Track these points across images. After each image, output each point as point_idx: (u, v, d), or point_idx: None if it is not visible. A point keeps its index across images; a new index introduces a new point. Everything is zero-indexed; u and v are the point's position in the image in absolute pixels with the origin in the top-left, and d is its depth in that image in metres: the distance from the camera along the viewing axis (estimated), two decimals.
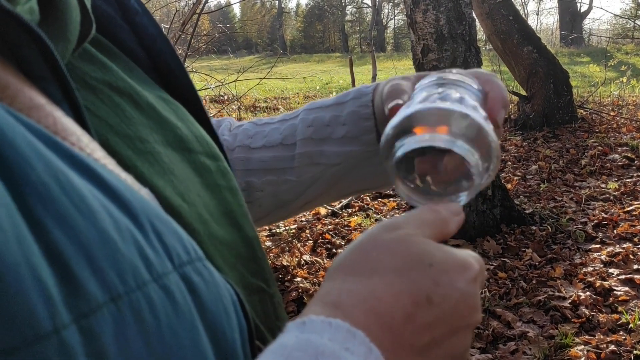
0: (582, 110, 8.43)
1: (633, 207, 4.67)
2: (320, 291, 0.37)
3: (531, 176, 5.97)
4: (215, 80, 4.50)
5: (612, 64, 11.47)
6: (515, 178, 5.91)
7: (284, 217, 0.74)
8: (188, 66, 4.72)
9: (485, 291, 3.44)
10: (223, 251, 0.43)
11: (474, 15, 4.37)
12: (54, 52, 0.35)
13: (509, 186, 5.30)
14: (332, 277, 0.38)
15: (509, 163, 6.55)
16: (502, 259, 3.92)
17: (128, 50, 0.51)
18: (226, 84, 4.70)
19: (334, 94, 10.50)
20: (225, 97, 8.59)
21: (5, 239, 0.24)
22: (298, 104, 11.21)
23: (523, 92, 8.23)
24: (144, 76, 0.51)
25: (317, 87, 13.42)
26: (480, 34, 9.30)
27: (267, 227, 4.30)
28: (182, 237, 0.34)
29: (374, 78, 7.27)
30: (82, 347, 0.25)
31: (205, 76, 4.53)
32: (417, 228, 0.40)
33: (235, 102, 8.32)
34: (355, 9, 46.40)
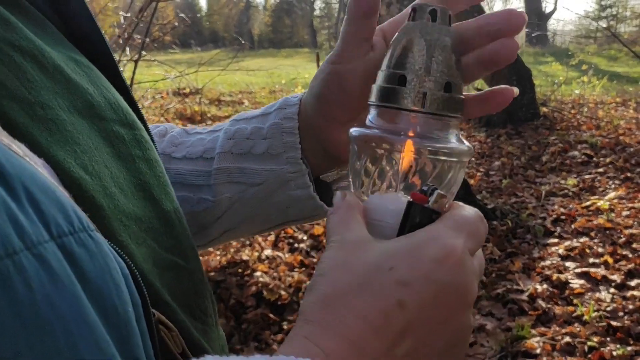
0: (544, 108, 8.58)
1: (590, 202, 4.76)
2: (295, 326, 0.36)
3: (494, 172, 6.05)
4: (175, 71, 4.41)
5: (574, 63, 11.71)
6: (478, 174, 5.97)
7: (207, 245, 0.65)
8: (152, 59, 4.61)
9: None
10: (131, 226, 0.40)
11: None
12: None
13: (472, 182, 5.35)
14: (305, 311, 0.36)
15: (473, 159, 6.61)
16: None
17: (41, 11, 0.47)
18: (186, 74, 4.62)
19: (300, 88, 10.44)
20: (188, 90, 8.47)
21: None
22: (264, 98, 11.13)
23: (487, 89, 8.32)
24: (59, 36, 0.46)
25: (283, 82, 13.35)
26: None
27: None
28: (66, 207, 0.32)
29: None
30: None
31: (166, 67, 4.45)
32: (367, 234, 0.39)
33: (198, 95, 8.20)
34: (324, 4, 46.40)
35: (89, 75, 0.45)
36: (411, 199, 0.41)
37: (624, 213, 4.46)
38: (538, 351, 2.78)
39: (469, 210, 0.41)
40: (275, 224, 0.62)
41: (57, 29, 0.48)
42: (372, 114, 0.46)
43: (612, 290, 3.33)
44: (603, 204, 4.65)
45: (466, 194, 4.51)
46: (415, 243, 0.38)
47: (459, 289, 0.37)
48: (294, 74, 13.84)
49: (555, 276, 3.51)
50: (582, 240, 4.03)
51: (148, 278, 0.39)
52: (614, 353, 2.73)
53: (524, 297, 3.31)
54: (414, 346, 0.35)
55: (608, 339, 2.87)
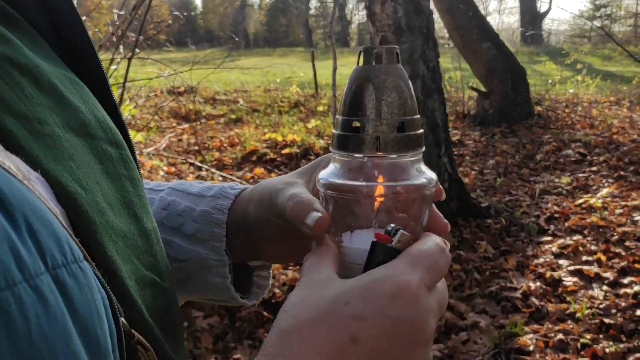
0: (538, 107, 8.60)
1: (583, 199, 4.78)
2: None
3: (488, 171, 6.06)
4: (170, 69, 4.41)
5: (569, 62, 11.75)
6: (473, 172, 5.99)
7: None
8: (146, 57, 4.60)
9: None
10: (118, 242, 0.41)
11: (432, 7, 4.39)
12: None
13: (466, 180, 5.36)
14: (265, 345, 0.38)
15: (467, 158, 6.63)
16: (458, 251, 3.95)
17: (31, 20, 0.47)
18: (180, 72, 4.61)
19: (294, 86, 10.38)
20: (182, 89, 8.47)
21: None
22: (259, 96, 11.12)
23: (482, 89, 8.34)
24: (50, 52, 0.47)
25: (278, 80, 13.34)
26: (444, 31, 9.40)
27: None
28: (60, 238, 0.32)
29: (334, 71, 7.26)
30: None
31: (160, 65, 4.44)
32: (332, 270, 0.41)
33: (192, 94, 8.19)
34: (319, 3, 46.37)
35: (80, 93, 0.46)
36: (375, 240, 0.43)
37: (617, 211, 4.48)
38: (531, 348, 2.79)
39: (429, 244, 0.42)
40: (192, 298, 0.64)
41: (50, 39, 0.48)
42: (334, 161, 0.48)
43: (605, 287, 3.34)
44: (596, 201, 4.67)
45: (460, 192, 4.53)
46: (371, 280, 0.39)
47: (414, 325, 0.38)
48: (289, 73, 13.83)
49: (548, 274, 3.52)
50: (575, 238, 4.05)
51: (131, 295, 0.40)
52: (607, 350, 2.74)
53: (518, 294, 3.32)
54: None
55: (601, 336, 2.88)
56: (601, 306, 3.12)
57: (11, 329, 0.27)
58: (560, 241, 4.02)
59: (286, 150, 6.59)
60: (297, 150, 6.56)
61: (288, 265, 3.57)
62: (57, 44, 0.49)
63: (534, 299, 3.26)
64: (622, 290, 3.28)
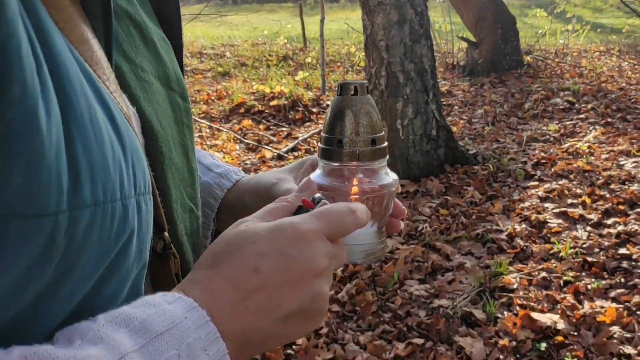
0: (528, 57, 8.54)
1: (569, 143, 4.80)
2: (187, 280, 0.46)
3: (476, 120, 6.05)
4: None
5: (559, 11, 11.60)
6: (461, 122, 5.98)
7: None
8: None
9: (426, 227, 3.51)
10: (175, 173, 0.53)
11: None
12: None
13: (454, 129, 5.36)
14: (194, 268, 0.47)
15: (456, 107, 6.61)
16: (445, 197, 3.99)
17: None
18: None
19: (282, 38, 10.21)
20: None
21: (58, 144, 0.34)
22: (246, 50, 10.94)
23: (472, 38, 8.26)
24: (152, 14, 0.59)
25: (266, 33, 13.13)
26: None
27: None
28: (145, 171, 0.43)
29: (321, 22, 7.16)
30: (66, 230, 0.35)
31: None
32: (259, 217, 0.50)
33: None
34: None
35: (168, 52, 0.58)
36: (301, 204, 0.53)
37: (603, 156, 4.51)
38: (515, 286, 2.85)
39: (339, 205, 0.50)
40: None
41: (152, 4, 0.60)
42: (321, 168, 0.61)
43: (588, 228, 3.39)
44: (582, 145, 4.70)
45: (448, 140, 4.53)
46: (277, 225, 0.47)
47: (308, 261, 0.45)
48: (277, 28, 13.59)
49: (534, 216, 3.56)
50: (561, 182, 4.08)
51: (175, 216, 0.52)
52: (589, 287, 2.80)
53: (503, 236, 3.36)
54: (267, 302, 0.44)
55: (583, 273, 2.94)
56: (584, 246, 3.17)
57: (103, 231, 0.37)
58: (546, 185, 4.05)
59: (274, 102, 6.53)
60: (285, 102, 6.51)
61: None
62: (157, 9, 0.61)
63: (519, 241, 3.30)
64: (605, 231, 3.33)
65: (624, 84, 7.00)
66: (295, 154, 5.04)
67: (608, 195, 3.76)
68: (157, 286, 0.50)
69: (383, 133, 0.60)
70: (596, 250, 3.13)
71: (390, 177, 0.61)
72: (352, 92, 0.58)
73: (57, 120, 0.34)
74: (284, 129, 5.96)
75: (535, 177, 4.26)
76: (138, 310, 0.39)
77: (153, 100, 0.51)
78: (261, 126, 6.11)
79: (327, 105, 6.86)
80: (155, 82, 0.52)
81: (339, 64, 9.70)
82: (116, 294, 0.42)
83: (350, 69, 9.19)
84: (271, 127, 6.02)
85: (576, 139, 5.07)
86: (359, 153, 0.58)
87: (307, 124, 6.18)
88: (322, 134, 0.60)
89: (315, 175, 0.60)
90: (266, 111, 6.43)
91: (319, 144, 0.60)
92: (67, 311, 0.38)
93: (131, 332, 0.37)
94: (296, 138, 5.54)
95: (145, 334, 0.38)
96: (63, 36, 0.39)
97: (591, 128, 5.37)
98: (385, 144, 0.60)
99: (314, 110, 6.55)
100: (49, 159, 0.33)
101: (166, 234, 0.50)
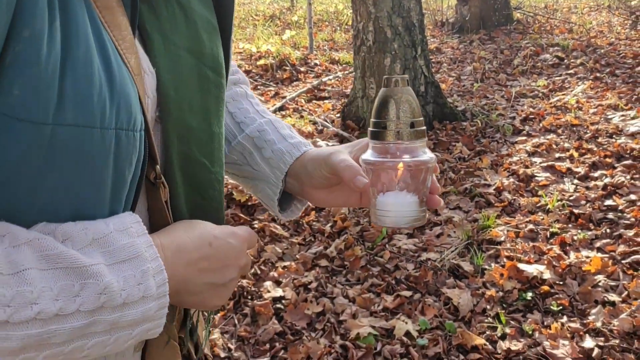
0: (517, 13, 8.44)
1: (557, 98, 4.79)
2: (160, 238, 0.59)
3: (465, 77, 6.01)
4: None
5: None
6: (450, 79, 5.94)
7: None
8: None
9: None
10: (182, 132, 0.63)
11: None
12: None
13: (443, 86, 5.32)
14: (175, 224, 0.63)
15: (445, 65, 6.56)
16: (434, 153, 3.97)
17: None
18: None
19: None
20: None
21: (53, 74, 0.47)
22: None
23: None
24: (209, 1, 0.69)
25: None
26: None
27: None
28: (133, 114, 0.53)
29: None
30: (49, 140, 0.47)
31: None
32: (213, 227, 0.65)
33: None
34: None
35: (210, 33, 0.68)
36: None
37: (592, 110, 4.51)
38: (502, 239, 2.87)
39: (250, 231, 0.69)
40: (249, 191, 0.91)
41: None
42: (370, 147, 0.72)
43: (575, 181, 3.41)
44: (571, 99, 4.69)
45: (436, 96, 4.50)
46: (227, 226, 0.66)
47: (239, 253, 0.64)
48: None
49: (521, 171, 3.57)
50: (549, 137, 4.09)
51: (172, 160, 0.63)
52: (575, 238, 2.83)
53: (491, 190, 3.37)
54: (208, 267, 0.61)
55: (570, 225, 2.97)
56: (571, 198, 3.19)
57: (81, 148, 0.49)
58: (535, 140, 4.05)
59: (261, 62, 6.44)
60: (273, 62, 6.42)
61: None
62: None
63: (506, 194, 3.32)
64: (592, 183, 3.35)
65: (613, 39, 6.95)
66: (283, 112, 4.99)
67: (595, 149, 3.77)
68: (151, 209, 0.62)
69: (421, 118, 0.70)
70: (583, 202, 3.15)
71: (428, 155, 0.70)
72: (395, 84, 0.69)
73: (55, 57, 0.46)
74: (271, 88, 5.89)
75: (524, 132, 4.26)
76: (118, 235, 0.53)
77: (176, 69, 0.61)
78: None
79: (315, 64, 6.79)
80: (185, 54, 0.63)
81: (326, 22, 9.54)
82: (96, 202, 0.53)
83: (339, 28, 9.05)
84: (259, 87, 5.94)
85: (564, 93, 5.06)
86: (401, 133, 0.68)
87: (295, 83, 6.11)
88: (371, 119, 0.71)
89: (367, 154, 0.71)
90: (253, 71, 6.35)
91: (369, 128, 0.72)
92: (50, 210, 0.50)
93: (104, 253, 0.52)
94: (284, 97, 5.48)
95: (113, 256, 0.52)
96: (89, 3, 0.52)
97: (580, 83, 5.35)
98: (424, 127, 0.70)
99: (302, 69, 6.47)
100: (42, 83, 0.45)
101: (158, 167, 0.60)
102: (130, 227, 0.54)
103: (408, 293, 2.54)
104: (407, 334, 2.29)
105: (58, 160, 0.48)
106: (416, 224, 0.72)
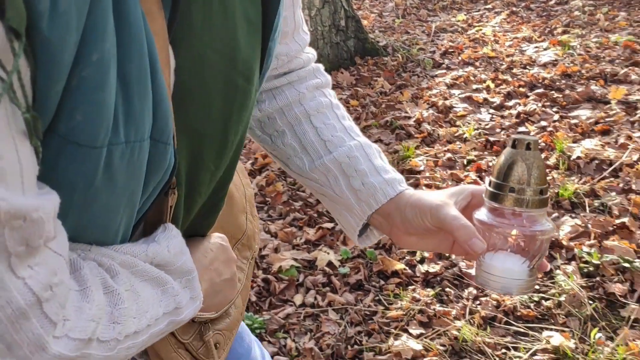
0: None
1: (475, 29, 4.85)
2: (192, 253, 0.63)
3: (387, 13, 5.98)
4: None
5: None
6: (372, 15, 5.88)
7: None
8: None
9: None
10: (194, 137, 0.57)
11: None
12: None
13: (365, 23, 5.26)
14: (192, 251, 0.63)
15: (367, 1, 6.48)
16: (355, 88, 3.96)
17: None
18: None
19: None
20: None
21: (112, 98, 0.45)
22: None
23: None
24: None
25: None
26: None
27: None
28: (170, 125, 0.51)
29: None
30: (105, 159, 0.46)
31: None
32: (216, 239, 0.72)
33: None
34: None
35: (249, 35, 0.59)
36: None
37: (507, 43, 4.60)
38: (422, 168, 2.92)
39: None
40: (329, 210, 0.88)
41: None
42: (487, 207, 0.68)
43: (491, 111, 3.49)
44: (487, 31, 4.76)
45: (357, 31, 4.44)
46: (213, 235, 0.72)
47: (228, 248, 0.72)
48: None
49: (441, 102, 3.62)
50: (467, 69, 4.14)
51: (180, 168, 0.59)
52: (490, 164, 2.91)
53: (411, 122, 3.41)
54: (220, 267, 0.69)
55: (485, 152, 3.05)
56: (487, 127, 3.27)
57: (132, 163, 0.48)
58: (454, 73, 4.10)
59: None
60: None
61: None
62: None
63: (426, 125, 3.36)
64: (506, 112, 3.44)
65: None
66: None
67: (510, 79, 3.86)
68: (151, 209, 0.59)
69: (547, 185, 0.67)
70: (498, 130, 3.24)
71: (548, 224, 0.67)
72: (526, 147, 0.66)
73: (114, 77, 0.43)
74: None
75: (443, 65, 4.30)
76: (172, 248, 0.59)
77: (197, 70, 0.55)
78: None
79: None
80: (213, 55, 0.56)
81: None
82: (117, 208, 0.53)
83: None
84: None
85: (482, 24, 5.13)
86: (527, 200, 0.65)
87: None
88: (492, 179, 0.67)
89: (482, 213, 0.69)
90: None
91: (488, 188, 0.68)
92: (108, 220, 0.52)
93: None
94: None
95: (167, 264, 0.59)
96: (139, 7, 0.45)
97: (497, 18, 5.43)
98: (549, 194, 0.68)
99: None
100: (105, 108, 0.43)
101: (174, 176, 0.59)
102: (184, 247, 0.60)
103: (330, 225, 2.55)
104: (330, 264, 2.31)
105: (112, 176, 0.47)
106: (524, 293, 0.70)
